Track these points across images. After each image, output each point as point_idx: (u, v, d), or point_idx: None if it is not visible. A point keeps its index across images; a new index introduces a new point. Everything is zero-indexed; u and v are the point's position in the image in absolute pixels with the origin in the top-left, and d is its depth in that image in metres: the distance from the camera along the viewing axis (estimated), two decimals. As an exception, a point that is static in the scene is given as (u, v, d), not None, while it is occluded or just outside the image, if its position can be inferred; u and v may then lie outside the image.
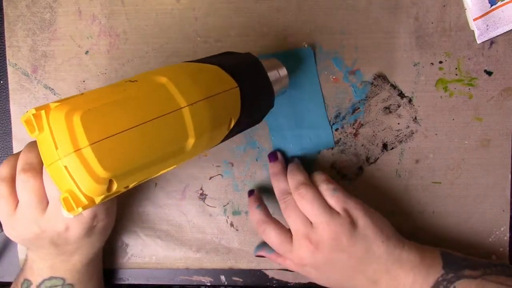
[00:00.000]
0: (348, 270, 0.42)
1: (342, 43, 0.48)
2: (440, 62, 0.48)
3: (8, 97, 0.49)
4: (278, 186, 0.45)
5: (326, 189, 0.43)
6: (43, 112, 0.29)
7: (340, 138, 0.48)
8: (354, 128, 0.48)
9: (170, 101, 0.32)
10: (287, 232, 0.43)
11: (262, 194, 0.49)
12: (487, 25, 0.46)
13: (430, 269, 0.41)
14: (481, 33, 0.46)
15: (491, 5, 0.46)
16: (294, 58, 0.47)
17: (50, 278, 0.42)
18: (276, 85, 0.42)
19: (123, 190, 0.32)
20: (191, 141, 0.33)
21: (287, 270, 0.50)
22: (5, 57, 0.49)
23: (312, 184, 0.44)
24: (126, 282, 0.51)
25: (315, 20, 0.47)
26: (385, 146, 0.48)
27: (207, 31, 0.48)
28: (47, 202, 0.37)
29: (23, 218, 0.38)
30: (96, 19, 0.48)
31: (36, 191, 0.36)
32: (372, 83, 0.48)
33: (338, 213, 0.42)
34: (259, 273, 0.51)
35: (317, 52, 0.48)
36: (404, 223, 0.49)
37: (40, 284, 0.43)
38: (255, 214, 0.45)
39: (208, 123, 0.34)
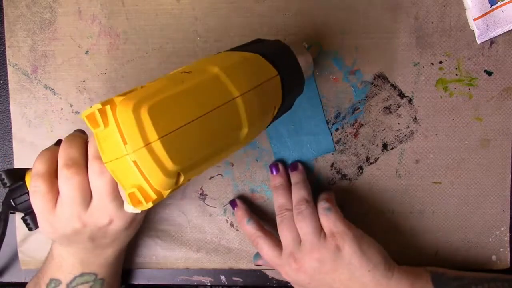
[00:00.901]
0: None
1: (342, 43, 0.48)
2: (440, 62, 0.48)
3: (8, 97, 0.49)
4: (277, 200, 0.45)
5: (321, 207, 0.43)
6: (108, 107, 0.29)
7: (340, 138, 0.48)
8: (354, 128, 0.48)
9: (225, 91, 0.33)
10: (280, 245, 0.44)
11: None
12: (487, 25, 0.46)
13: None
14: (481, 33, 0.46)
15: (491, 5, 0.46)
16: None
17: (82, 275, 0.42)
18: (305, 70, 0.42)
19: (186, 182, 0.32)
20: (244, 130, 0.34)
21: (287, 270, 0.50)
22: (5, 57, 0.49)
23: (313, 202, 0.44)
24: (127, 282, 0.51)
25: (315, 20, 0.47)
26: (385, 146, 0.48)
27: (207, 31, 0.48)
28: (91, 197, 0.36)
29: (64, 214, 0.37)
30: (96, 19, 0.48)
31: (81, 187, 0.35)
32: (372, 83, 0.48)
33: (325, 236, 0.42)
34: (259, 273, 0.51)
35: (317, 52, 0.48)
36: (404, 223, 0.49)
37: (71, 281, 0.41)
38: (247, 229, 0.45)
39: (258, 111, 0.35)
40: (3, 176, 0.38)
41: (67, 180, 0.35)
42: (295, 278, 0.43)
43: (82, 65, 0.49)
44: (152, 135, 0.28)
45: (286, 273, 0.43)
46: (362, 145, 0.48)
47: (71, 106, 0.49)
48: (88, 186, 0.36)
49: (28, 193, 0.38)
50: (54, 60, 0.49)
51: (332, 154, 0.48)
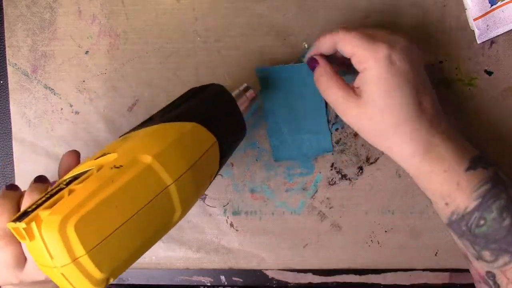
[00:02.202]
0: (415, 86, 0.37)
1: (342, 43, 0.48)
2: (440, 62, 0.48)
3: (8, 97, 0.49)
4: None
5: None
6: (33, 224, 0.28)
7: (340, 138, 0.48)
8: (354, 128, 0.48)
9: (157, 182, 0.31)
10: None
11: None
12: (487, 25, 0.46)
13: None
14: (481, 33, 0.46)
15: (491, 5, 0.46)
16: (297, 71, 0.47)
17: None
18: (246, 111, 0.40)
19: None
20: (177, 214, 0.33)
21: (287, 270, 0.50)
22: (5, 57, 0.49)
23: None
24: (126, 282, 0.51)
25: (315, 20, 0.47)
26: (385, 146, 0.48)
27: (207, 31, 0.48)
28: (25, 260, 0.36)
29: (2, 274, 0.37)
30: (96, 19, 0.48)
31: (14, 255, 0.35)
32: (372, 83, 0.48)
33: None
34: (259, 273, 0.51)
35: (317, 52, 0.48)
36: (404, 223, 0.49)
37: None
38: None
39: (193, 191, 0.34)
40: None
41: (1, 249, 0.35)
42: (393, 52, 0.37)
43: (82, 65, 0.48)
44: (79, 251, 0.28)
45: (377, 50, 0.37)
46: (362, 145, 0.48)
47: (71, 106, 0.49)
48: (21, 253, 0.36)
49: None
50: (54, 60, 0.49)
51: (332, 154, 0.48)
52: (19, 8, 0.48)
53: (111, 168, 0.31)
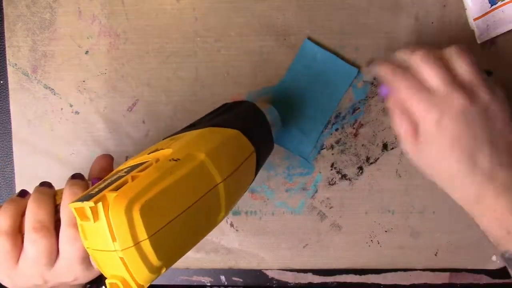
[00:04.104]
0: (479, 138, 0.36)
1: (342, 43, 0.48)
2: (440, 62, 0.48)
3: (8, 97, 0.49)
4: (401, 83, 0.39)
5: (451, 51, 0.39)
6: (100, 205, 0.29)
7: (340, 138, 0.48)
8: (354, 128, 0.48)
9: (209, 179, 0.32)
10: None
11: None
12: (487, 25, 0.46)
13: None
14: (481, 33, 0.46)
15: (492, 5, 0.46)
16: (336, 67, 0.47)
17: None
18: (273, 127, 0.42)
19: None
20: (222, 214, 0.34)
21: (287, 270, 0.50)
22: (5, 57, 0.49)
23: None
24: (126, 282, 0.51)
25: (315, 20, 0.47)
26: (385, 146, 0.48)
27: (207, 31, 0.48)
28: (57, 257, 0.36)
29: (26, 272, 0.36)
30: (96, 19, 0.48)
31: (48, 250, 0.35)
32: (372, 83, 0.48)
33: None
34: (259, 273, 0.51)
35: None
36: (404, 223, 0.49)
37: None
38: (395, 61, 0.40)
39: (235, 195, 0.35)
40: None
41: (34, 243, 0.34)
42: (460, 110, 0.36)
43: (82, 65, 0.48)
44: (142, 234, 0.28)
45: (445, 104, 0.36)
46: (362, 145, 0.48)
47: (71, 106, 0.49)
48: (55, 249, 0.35)
49: None
50: (54, 60, 0.49)
51: (332, 154, 0.48)
52: (19, 8, 0.48)
53: (169, 160, 0.32)
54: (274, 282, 0.51)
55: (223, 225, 0.49)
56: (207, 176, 0.32)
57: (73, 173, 0.38)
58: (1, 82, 0.50)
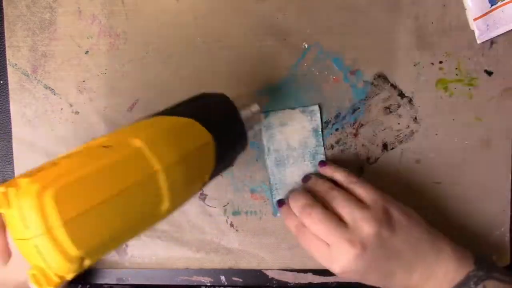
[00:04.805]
0: (387, 265, 0.40)
1: (342, 43, 0.48)
2: (440, 62, 0.48)
3: (8, 97, 0.49)
4: (297, 201, 0.45)
5: (350, 182, 0.44)
6: (12, 190, 0.28)
7: (340, 138, 0.48)
8: (354, 128, 0.48)
9: (145, 166, 0.31)
10: (337, 219, 0.42)
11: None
12: (487, 25, 0.46)
13: (462, 262, 0.41)
14: (481, 33, 0.46)
15: (491, 5, 0.46)
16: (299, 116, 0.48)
17: None
18: (249, 123, 0.41)
19: (94, 263, 0.31)
20: (165, 204, 0.32)
21: (287, 270, 0.50)
22: (5, 57, 0.49)
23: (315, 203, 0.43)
24: (126, 282, 0.51)
25: (315, 20, 0.47)
26: (385, 146, 0.48)
27: (207, 31, 0.48)
28: (10, 254, 0.36)
29: None
30: (96, 19, 0.48)
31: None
32: (372, 83, 0.48)
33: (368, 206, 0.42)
34: (259, 273, 0.51)
35: (317, 52, 0.48)
36: (404, 223, 0.49)
37: None
38: (300, 199, 0.44)
39: (183, 184, 0.33)
40: None
41: None
42: (353, 268, 0.40)
43: (82, 65, 0.48)
44: (55, 221, 0.27)
45: (339, 263, 0.40)
46: (362, 145, 0.48)
47: (71, 106, 0.49)
48: (6, 244, 0.36)
49: None
50: (54, 60, 0.49)
51: (332, 154, 0.48)
52: (19, 8, 0.48)
53: (100, 147, 0.31)
54: (274, 282, 0.51)
55: (223, 225, 0.49)
56: (143, 163, 0.31)
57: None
58: (1, 82, 0.50)
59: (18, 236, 0.28)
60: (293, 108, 0.48)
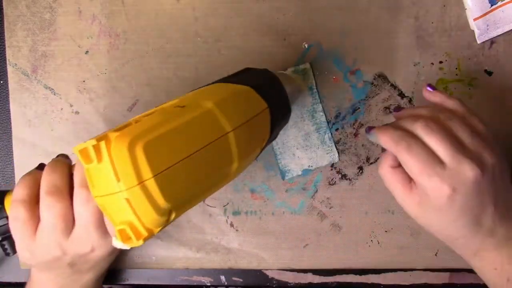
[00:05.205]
0: (475, 214, 0.36)
1: (342, 43, 0.48)
2: (440, 62, 0.48)
3: (8, 97, 0.49)
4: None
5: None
6: (103, 143, 0.28)
7: (340, 138, 0.48)
8: (354, 128, 0.48)
9: (218, 127, 0.32)
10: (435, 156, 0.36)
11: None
12: (487, 25, 0.46)
13: None
14: (481, 33, 0.46)
15: (491, 5, 0.46)
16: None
17: None
18: (291, 94, 0.42)
19: (178, 217, 0.32)
20: (235, 165, 0.34)
21: (287, 270, 0.50)
22: (5, 57, 0.49)
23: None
24: (126, 282, 0.51)
25: (315, 20, 0.47)
26: (385, 146, 0.48)
27: (207, 31, 0.48)
28: (73, 225, 0.35)
29: (44, 242, 0.36)
30: (96, 19, 0.48)
31: (63, 214, 0.34)
32: (372, 83, 0.48)
33: None
34: (259, 273, 0.51)
35: (317, 52, 0.48)
36: (404, 223, 0.49)
37: None
38: (396, 129, 0.37)
39: (249, 146, 0.35)
40: None
41: (49, 207, 0.34)
42: (463, 181, 0.35)
43: (82, 65, 0.48)
44: (147, 173, 0.28)
45: (453, 178, 0.35)
46: (362, 145, 0.48)
47: (71, 106, 0.49)
48: (71, 214, 0.35)
49: (7, 217, 0.37)
50: (54, 60, 0.49)
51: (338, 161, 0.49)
52: (19, 8, 0.48)
53: (175, 107, 0.32)
54: (274, 282, 0.51)
55: (223, 225, 0.49)
56: (215, 123, 0.32)
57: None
58: (1, 82, 0.50)
59: (105, 192, 0.29)
60: (285, 70, 0.48)
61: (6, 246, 0.38)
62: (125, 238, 0.29)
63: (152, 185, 0.28)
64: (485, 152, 0.36)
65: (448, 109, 0.39)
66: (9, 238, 0.38)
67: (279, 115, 0.39)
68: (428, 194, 0.35)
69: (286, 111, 0.41)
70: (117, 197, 0.28)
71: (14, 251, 0.38)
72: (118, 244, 0.30)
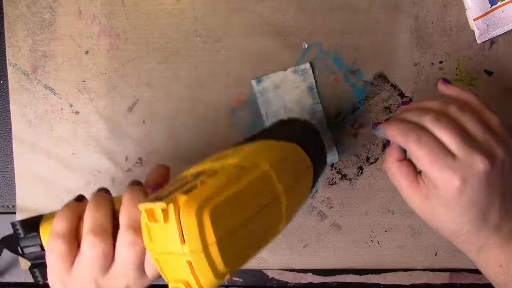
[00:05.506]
0: (483, 208, 0.35)
1: (342, 43, 0.48)
2: (441, 62, 0.48)
3: (8, 97, 0.49)
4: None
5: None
6: (171, 206, 0.29)
7: (340, 138, 0.48)
8: (354, 128, 0.48)
9: (272, 188, 0.33)
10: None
11: None
12: (487, 25, 0.46)
13: None
14: (481, 33, 0.46)
15: (491, 5, 0.46)
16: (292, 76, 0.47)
17: None
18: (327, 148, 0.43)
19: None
20: (283, 224, 0.34)
21: (287, 270, 0.50)
22: (5, 57, 0.49)
23: None
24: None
25: (315, 20, 0.47)
26: (385, 146, 0.48)
27: (207, 31, 0.48)
28: (112, 263, 0.35)
29: (81, 277, 0.35)
30: (96, 19, 0.48)
31: (105, 254, 0.34)
32: (372, 83, 0.48)
33: None
34: (259, 273, 0.51)
35: (317, 52, 0.48)
36: (404, 223, 0.49)
37: None
38: (404, 122, 0.37)
39: (296, 205, 0.36)
40: (18, 227, 0.37)
41: (92, 246, 0.34)
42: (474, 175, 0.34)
43: (82, 65, 0.48)
44: (211, 238, 0.28)
45: (464, 170, 0.34)
46: (362, 145, 0.48)
47: (71, 106, 0.49)
48: (112, 253, 0.35)
49: (40, 245, 0.37)
50: (54, 60, 0.49)
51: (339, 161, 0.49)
52: (19, 8, 0.48)
53: (235, 167, 0.33)
54: (274, 282, 0.51)
55: (223, 225, 0.49)
56: (271, 185, 0.33)
57: (99, 187, 0.38)
58: (1, 82, 0.50)
59: (165, 250, 0.29)
60: (285, 69, 0.48)
61: (37, 274, 0.38)
62: None
63: (214, 249, 0.29)
64: (496, 146, 0.35)
65: (462, 101, 0.38)
66: (40, 265, 0.38)
67: (320, 169, 0.40)
68: (437, 186, 0.35)
69: (324, 160, 0.42)
70: (178, 258, 0.29)
71: (45, 280, 0.38)
72: None
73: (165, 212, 0.29)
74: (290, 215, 0.35)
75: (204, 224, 0.28)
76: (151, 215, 0.29)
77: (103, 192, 0.38)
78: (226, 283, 0.51)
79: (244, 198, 0.31)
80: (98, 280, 0.36)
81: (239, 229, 0.30)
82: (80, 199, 0.38)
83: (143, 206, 0.29)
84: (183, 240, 0.28)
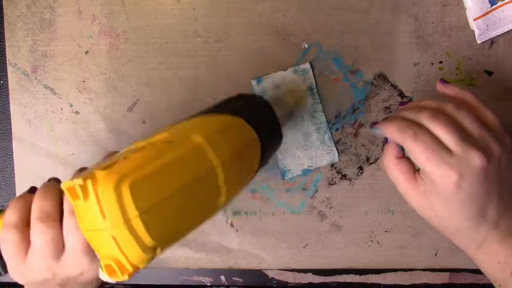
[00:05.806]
0: (480, 204, 0.36)
1: (342, 43, 0.48)
2: (440, 62, 0.48)
3: (8, 97, 0.49)
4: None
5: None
6: (89, 183, 0.29)
7: (340, 138, 0.48)
8: (354, 128, 0.48)
9: (205, 161, 0.32)
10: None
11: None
12: (487, 25, 0.46)
13: None
14: (481, 33, 0.46)
15: (491, 5, 0.46)
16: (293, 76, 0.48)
17: None
18: (282, 121, 0.42)
19: (163, 252, 0.32)
20: (222, 198, 0.34)
21: (287, 270, 0.50)
22: (5, 57, 0.49)
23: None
24: (126, 282, 0.51)
25: (315, 20, 0.47)
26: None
27: (207, 31, 0.48)
28: (63, 249, 0.36)
29: (35, 265, 0.36)
30: (96, 19, 0.48)
31: (54, 240, 0.35)
32: (372, 83, 0.48)
33: None
34: (259, 273, 0.51)
35: (317, 52, 0.48)
36: (404, 223, 0.49)
37: None
38: (402, 119, 0.37)
39: (237, 179, 0.35)
40: None
41: (40, 233, 0.35)
42: (472, 170, 0.35)
43: (82, 65, 0.48)
44: (132, 212, 0.28)
45: (462, 165, 0.35)
46: (362, 145, 0.48)
47: (71, 106, 0.49)
48: (61, 240, 0.35)
49: None
50: (54, 60, 0.49)
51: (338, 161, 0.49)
52: (19, 8, 0.48)
53: (163, 142, 0.33)
54: (274, 282, 0.51)
55: (223, 225, 0.49)
56: (203, 159, 0.32)
57: (75, 170, 0.38)
58: (1, 82, 0.50)
59: (91, 228, 0.29)
60: (285, 69, 0.48)
61: None
62: (111, 272, 0.30)
63: (137, 224, 0.28)
64: (493, 143, 0.36)
65: (459, 100, 0.39)
66: (0, 258, 0.38)
67: (270, 143, 0.39)
68: (435, 182, 0.35)
69: (277, 138, 0.41)
70: (103, 234, 0.29)
71: (6, 271, 0.39)
72: (104, 277, 0.30)
73: (84, 188, 0.29)
74: (232, 190, 0.34)
75: (124, 198, 0.28)
76: (73, 193, 0.29)
77: (53, 181, 0.38)
78: (225, 283, 0.51)
79: (170, 171, 0.31)
80: (52, 268, 0.36)
81: (166, 203, 0.30)
82: (32, 190, 0.38)
83: (65, 185, 0.29)
84: (104, 216, 0.28)
